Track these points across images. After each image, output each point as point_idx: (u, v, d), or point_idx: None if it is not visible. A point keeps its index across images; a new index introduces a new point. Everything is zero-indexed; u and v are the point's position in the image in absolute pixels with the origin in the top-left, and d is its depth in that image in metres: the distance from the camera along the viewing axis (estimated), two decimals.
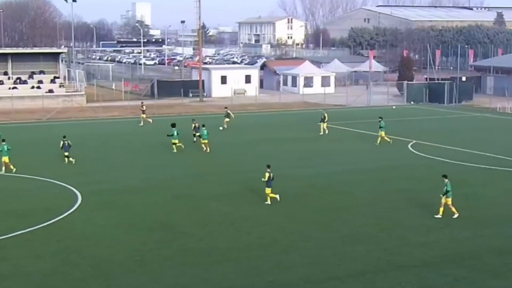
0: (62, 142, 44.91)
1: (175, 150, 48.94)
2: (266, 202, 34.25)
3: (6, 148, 41.81)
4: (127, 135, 57.75)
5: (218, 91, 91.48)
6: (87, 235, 29.38)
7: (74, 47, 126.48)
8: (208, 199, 35.46)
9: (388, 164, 45.03)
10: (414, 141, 53.87)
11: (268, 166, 34.37)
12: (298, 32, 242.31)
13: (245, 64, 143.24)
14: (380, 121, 52.72)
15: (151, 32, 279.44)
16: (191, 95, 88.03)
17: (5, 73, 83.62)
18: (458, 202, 31.89)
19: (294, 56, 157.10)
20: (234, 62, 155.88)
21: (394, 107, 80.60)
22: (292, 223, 31.11)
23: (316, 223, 31.12)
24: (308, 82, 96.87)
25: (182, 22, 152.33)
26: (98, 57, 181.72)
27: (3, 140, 42.45)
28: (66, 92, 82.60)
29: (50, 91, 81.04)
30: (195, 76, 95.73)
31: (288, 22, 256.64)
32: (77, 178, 39.98)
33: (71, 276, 24.51)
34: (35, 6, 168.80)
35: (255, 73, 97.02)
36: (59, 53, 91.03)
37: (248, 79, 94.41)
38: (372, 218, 31.83)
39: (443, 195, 31.69)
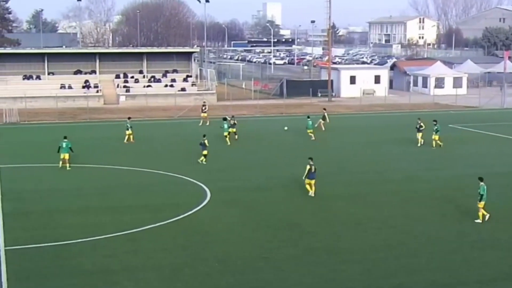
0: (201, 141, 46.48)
1: (228, 143, 51.32)
2: (310, 194, 35.63)
3: (64, 145, 42.95)
4: (256, 133, 58.36)
5: (347, 91, 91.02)
6: (214, 231, 29.99)
7: (206, 46, 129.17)
8: (333, 199, 35.44)
9: None
10: None
11: (311, 159, 35.66)
12: (429, 32, 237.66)
13: (374, 64, 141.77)
14: (435, 124, 50.88)
15: (281, 32, 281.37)
16: (319, 95, 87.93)
17: (140, 72, 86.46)
18: None
19: (425, 56, 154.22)
20: (363, 62, 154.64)
21: None
22: (420, 226, 30.62)
23: (445, 226, 30.49)
24: (439, 83, 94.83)
25: (312, 22, 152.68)
26: (229, 57, 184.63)
27: (65, 137, 43.66)
28: (198, 90, 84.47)
29: (183, 89, 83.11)
30: (324, 76, 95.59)
31: (420, 22, 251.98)
32: (207, 175, 40.84)
33: (199, 271, 25.08)
34: (170, 7, 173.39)
35: (384, 74, 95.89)
36: (191, 53, 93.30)
37: (377, 79, 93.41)
38: (503, 223, 30.87)
39: (480, 200, 31.00)
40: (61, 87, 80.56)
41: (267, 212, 32.95)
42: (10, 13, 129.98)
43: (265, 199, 35.55)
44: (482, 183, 31.01)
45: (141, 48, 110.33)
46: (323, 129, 58.94)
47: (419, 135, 51.71)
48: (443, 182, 39.42)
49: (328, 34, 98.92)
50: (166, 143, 54.07)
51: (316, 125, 57.90)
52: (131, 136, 52.67)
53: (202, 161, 44.66)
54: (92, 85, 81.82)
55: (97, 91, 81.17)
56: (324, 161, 46.28)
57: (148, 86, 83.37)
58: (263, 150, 50.75)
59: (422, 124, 51.77)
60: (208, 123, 62.37)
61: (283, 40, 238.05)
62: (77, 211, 33.21)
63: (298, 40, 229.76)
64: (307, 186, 35.93)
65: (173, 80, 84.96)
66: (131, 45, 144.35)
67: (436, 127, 50.67)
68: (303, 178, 36.03)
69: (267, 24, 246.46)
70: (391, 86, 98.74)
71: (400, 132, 59.46)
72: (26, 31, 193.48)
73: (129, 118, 55.07)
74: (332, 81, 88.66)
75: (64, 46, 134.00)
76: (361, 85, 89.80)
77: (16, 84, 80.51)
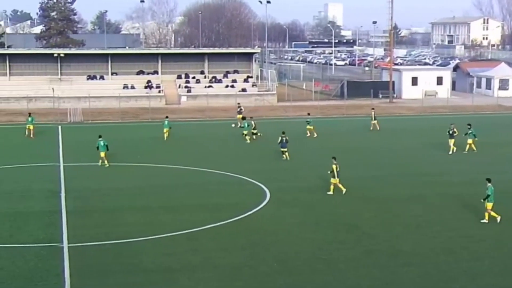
0: (280, 138, 46.78)
1: (248, 141, 52.98)
2: (329, 192, 36.38)
3: (102, 144, 43.98)
4: (317, 134, 58.19)
5: (408, 92, 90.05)
6: (274, 231, 30.05)
7: (267, 47, 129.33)
8: (393, 201, 35.16)
9: None
10: None
11: (334, 158, 36.62)
12: (494, 33, 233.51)
13: (437, 65, 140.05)
14: (469, 128, 49.42)
15: (343, 32, 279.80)
16: (380, 96, 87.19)
17: (202, 72, 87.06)
18: None
19: (489, 57, 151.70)
20: (425, 63, 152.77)
21: None
22: (482, 230, 30.14)
23: (507, 230, 29.95)
24: (504, 84, 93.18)
25: (374, 22, 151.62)
26: (289, 57, 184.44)
27: (100, 136, 44.56)
28: (258, 91, 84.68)
29: (243, 90, 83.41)
30: (385, 77, 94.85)
31: (484, 23, 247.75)
32: (266, 175, 40.92)
33: (257, 270, 25.19)
34: (231, 8, 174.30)
35: (447, 75, 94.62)
36: (252, 53, 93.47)
37: (439, 80, 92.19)
38: None
39: (484, 199, 31.12)
40: (124, 87, 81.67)
41: (327, 213, 32.90)
42: (75, 14, 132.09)
43: (324, 200, 35.49)
44: (489, 184, 31.15)
45: (202, 48, 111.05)
46: (378, 128, 59.02)
47: (452, 141, 49.38)
48: (504, 185, 38.43)
49: (390, 35, 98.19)
50: (226, 143, 54.35)
51: (377, 128, 59.19)
52: (165, 135, 54.25)
53: (286, 157, 45.94)
54: (154, 85, 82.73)
55: (159, 91, 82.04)
56: (385, 163, 46.00)
57: (209, 86, 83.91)
58: (322, 151, 50.51)
59: (455, 129, 49.71)
60: (235, 125, 62.25)
61: (344, 41, 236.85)
62: (138, 210, 33.67)
63: (360, 41, 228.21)
64: (340, 186, 36.42)
65: (234, 81, 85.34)
66: (192, 46, 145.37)
67: (470, 131, 49.48)
68: (328, 172, 37.06)
69: (328, 25, 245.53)
70: (454, 87, 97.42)
71: (462, 133, 58.59)
72: (90, 32, 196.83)
73: (166, 117, 56.47)
74: (393, 82, 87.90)
75: (127, 47, 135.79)
76: (423, 86, 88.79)
77: (80, 84, 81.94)
